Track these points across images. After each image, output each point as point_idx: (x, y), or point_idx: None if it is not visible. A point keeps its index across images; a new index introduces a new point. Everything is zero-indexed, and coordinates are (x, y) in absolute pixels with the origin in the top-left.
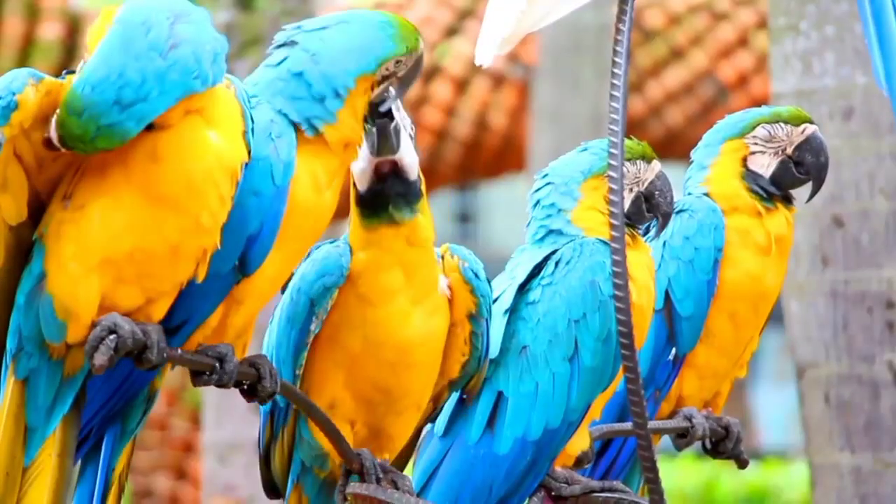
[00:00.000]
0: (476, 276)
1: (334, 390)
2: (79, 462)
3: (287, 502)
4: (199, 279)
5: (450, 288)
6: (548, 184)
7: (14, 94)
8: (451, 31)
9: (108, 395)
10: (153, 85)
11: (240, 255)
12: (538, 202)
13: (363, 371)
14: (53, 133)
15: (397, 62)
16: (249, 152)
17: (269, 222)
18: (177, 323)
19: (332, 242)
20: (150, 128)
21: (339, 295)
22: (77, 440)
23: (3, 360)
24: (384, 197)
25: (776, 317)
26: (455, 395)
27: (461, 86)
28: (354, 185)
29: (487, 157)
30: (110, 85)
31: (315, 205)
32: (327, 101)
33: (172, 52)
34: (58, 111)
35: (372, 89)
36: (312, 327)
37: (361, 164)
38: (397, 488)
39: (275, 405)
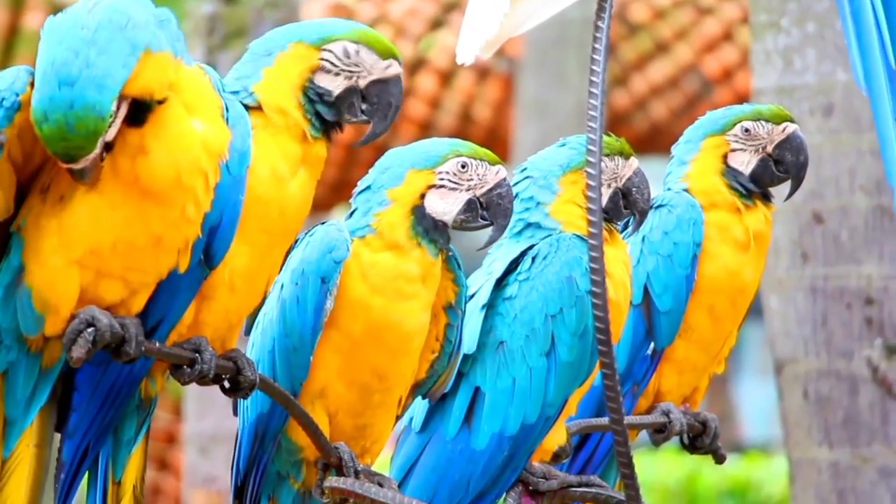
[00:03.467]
0: (459, 265)
1: (328, 377)
2: (85, 476)
3: None
4: (181, 269)
5: None
6: (526, 177)
7: (17, 94)
8: (436, 24)
9: (97, 406)
10: (88, 50)
11: (203, 248)
12: (517, 195)
13: (362, 356)
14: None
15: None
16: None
17: (228, 212)
18: (153, 324)
19: (324, 223)
20: (143, 120)
21: (341, 281)
22: (53, 430)
23: None
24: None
25: (758, 311)
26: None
27: (446, 78)
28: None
29: None
30: (51, 75)
31: (277, 195)
32: (261, 60)
33: (92, 19)
34: (38, 134)
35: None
36: (328, 305)
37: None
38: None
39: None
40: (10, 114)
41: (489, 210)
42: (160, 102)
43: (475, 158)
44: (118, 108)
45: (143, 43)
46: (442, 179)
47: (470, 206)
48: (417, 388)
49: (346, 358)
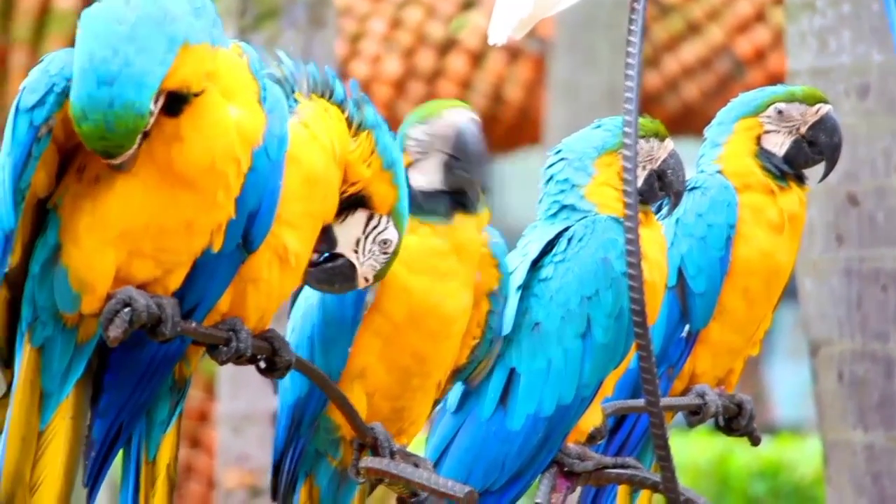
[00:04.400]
0: (503, 252)
1: (368, 359)
2: (119, 455)
3: (298, 493)
4: (215, 248)
5: None
6: (561, 159)
7: (67, 79)
8: (468, 4)
9: (131, 386)
10: (126, 47)
11: (242, 232)
12: (551, 178)
13: (403, 340)
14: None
15: None
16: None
17: (267, 197)
18: (190, 306)
19: None
20: (179, 110)
21: None
22: (91, 403)
23: (19, 329)
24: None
25: (791, 292)
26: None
27: (477, 59)
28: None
29: (503, 130)
30: (89, 73)
31: (324, 176)
32: None
33: (130, 13)
34: (77, 131)
35: None
36: (368, 298)
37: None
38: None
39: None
40: (60, 99)
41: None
42: (197, 95)
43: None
44: (156, 102)
45: (181, 37)
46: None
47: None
48: (457, 374)
49: (386, 341)
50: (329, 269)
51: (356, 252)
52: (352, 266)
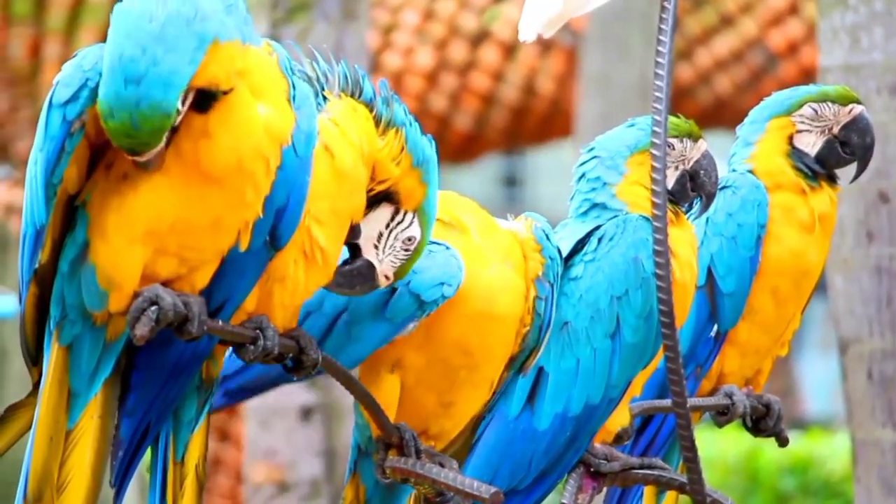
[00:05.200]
0: (547, 237)
1: (404, 348)
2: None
3: (344, 490)
4: (243, 247)
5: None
6: (594, 157)
7: (101, 75)
8: None
9: (158, 385)
10: (155, 47)
11: (269, 229)
12: (583, 175)
13: (443, 330)
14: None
15: None
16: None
17: (294, 194)
18: (217, 304)
19: (443, 246)
20: (208, 107)
21: None
22: (118, 403)
23: (48, 327)
24: None
25: (822, 286)
26: None
27: (509, 51)
28: None
29: (535, 122)
30: (117, 71)
31: (352, 173)
32: None
33: (161, 10)
34: (104, 128)
35: None
36: (412, 326)
37: None
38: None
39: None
40: (93, 95)
41: None
42: (226, 93)
43: None
44: (185, 100)
45: (211, 34)
46: None
47: None
48: (511, 364)
49: (425, 330)
50: (347, 272)
51: (377, 247)
52: (370, 266)
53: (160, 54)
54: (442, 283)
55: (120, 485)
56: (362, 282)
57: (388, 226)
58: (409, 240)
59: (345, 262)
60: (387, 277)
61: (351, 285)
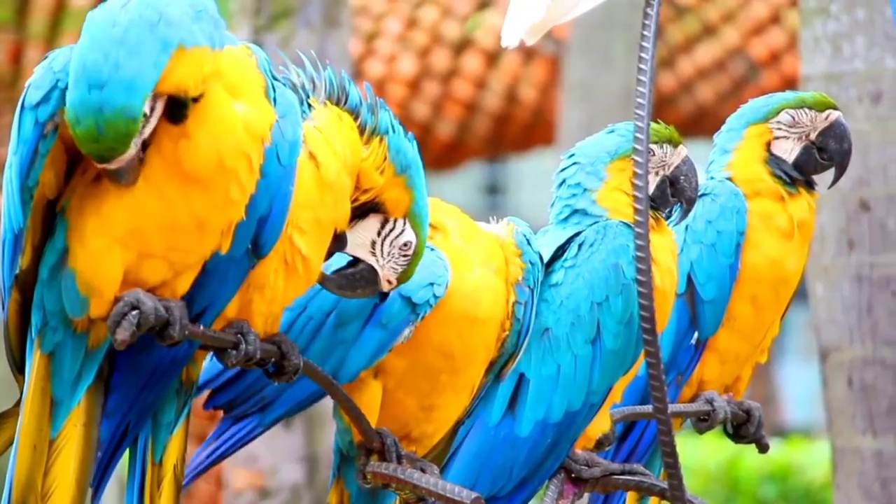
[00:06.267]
0: (528, 242)
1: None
2: (126, 455)
3: (328, 495)
4: (224, 250)
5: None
6: (574, 163)
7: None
8: (483, 4)
9: (138, 388)
10: (117, 51)
11: (252, 238)
12: (564, 181)
13: (424, 334)
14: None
15: None
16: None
17: (278, 202)
18: (198, 310)
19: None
20: (182, 116)
21: None
22: (101, 410)
23: (29, 335)
24: None
25: (801, 295)
26: None
27: (492, 59)
28: None
29: (517, 130)
30: (81, 78)
31: (336, 183)
32: None
33: (125, 16)
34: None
35: None
36: (406, 331)
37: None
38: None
39: None
40: (65, 95)
41: None
42: (196, 100)
43: None
44: (153, 106)
45: (175, 40)
46: None
47: None
48: (489, 369)
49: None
50: (350, 275)
51: (373, 255)
52: (372, 270)
53: (122, 59)
54: (431, 284)
55: (98, 485)
56: (364, 285)
57: (379, 234)
58: (406, 245)
59: (348, 265)
60: (389, 282)
61: (353, 288)
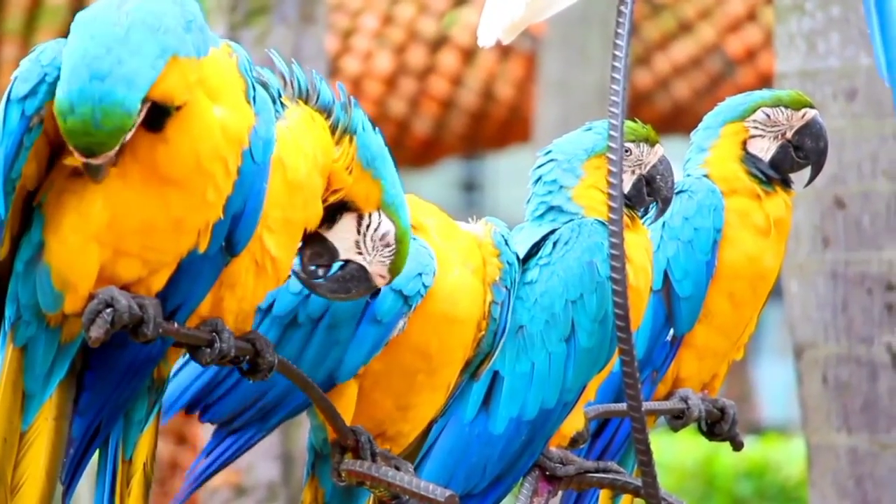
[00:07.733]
0: (506, 242)
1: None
2: (97, 453)
3: (303, 493)
4: (201, 249)
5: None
6: (550, 160)
7: (59, 69)
8: (459, 1)
9: (111, 386)
10: (120, 48)
11: (226, 235)
12: (540, 178)
13: (400, 334)
14: (74, 151)
15: None
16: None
17: (252, 200)
18: (172, 308)
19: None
20: (161, 125)
21: None
22: (73, 404)
23: (2, 328)
24: None
25: (778, 291)
26: None
27: (468, 56)
28: None
29: (494, 127)
30: (81, 68)
31: (306, 183)
32: None
33: (125, 18)
34: (60, 127)
35: None
36: (401, 324)
37: None
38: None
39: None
40: (52, 89)
41: None
42: (178, 108)
43: None
44: (141, 109)
45: (171, 48)
46: None
47: None
48: (465, 368)
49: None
50: (341, 277)
51: (360, 254)
52: (361, 268)
53: (125, 56)
54: (420, 274)
55: (70, 482)
56: (356, 285)
57: (359, 231)
58: (386, 235)
59: (336, 269)
60: (382, 277)
61: (346, 290)
